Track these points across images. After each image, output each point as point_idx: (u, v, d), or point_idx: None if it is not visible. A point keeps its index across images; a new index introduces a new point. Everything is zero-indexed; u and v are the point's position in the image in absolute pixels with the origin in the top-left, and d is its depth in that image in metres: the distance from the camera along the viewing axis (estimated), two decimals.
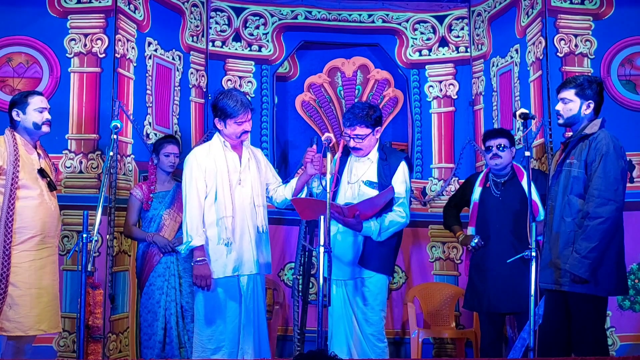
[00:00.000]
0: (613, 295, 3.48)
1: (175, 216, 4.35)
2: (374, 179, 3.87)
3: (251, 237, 3.77)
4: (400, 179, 3.90)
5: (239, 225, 3.74)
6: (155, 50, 4.85)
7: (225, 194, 3.73)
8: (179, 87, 5.06)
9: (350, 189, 3.90)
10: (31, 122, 3.66)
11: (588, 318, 3.42)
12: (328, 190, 3.44)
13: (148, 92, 4.77)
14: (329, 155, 3.69)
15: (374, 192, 3.84)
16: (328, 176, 3.53)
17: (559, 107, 3.59)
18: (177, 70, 5.05)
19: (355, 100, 5.61)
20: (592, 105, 3.52)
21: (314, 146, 3.85)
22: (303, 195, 3.96)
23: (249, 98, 5.31)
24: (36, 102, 3.68)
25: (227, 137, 3.81)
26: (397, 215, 3.84)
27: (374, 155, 3.96)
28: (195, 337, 3.80)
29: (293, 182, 3.98)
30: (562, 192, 3.50)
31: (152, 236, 4.30)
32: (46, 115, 3.70)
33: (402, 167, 3.92)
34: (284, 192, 3.98)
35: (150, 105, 4.78)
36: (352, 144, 3.90)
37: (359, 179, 3.90)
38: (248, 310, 3.75)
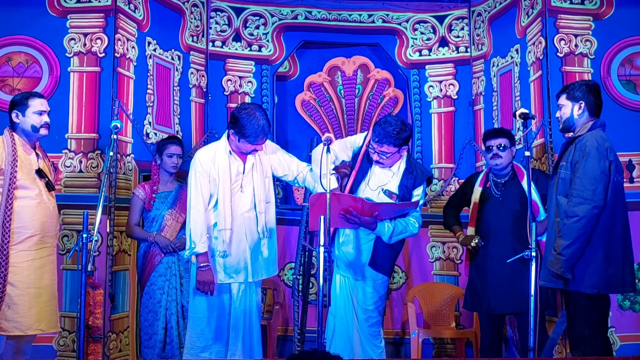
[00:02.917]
0: (605, 292, 3.46)
1: (177, 216, 4.35)
2: (395, 189, 3.85)
3: (247, 246, 3.74)
4: (420, 194, 3.90)
5: (236, 234, 3.72)
6: (155, 49, 4.85)
7: (226, 204, 3.70)
8: (178, 87, 5.05)
9: (369, 194, 3.87)
10: (29, 125, 3.67)
11: (576, 315, 3.44)
12: (328, 190, 3.44)
13: (149, 91, 4.77)
14: (328, 155, 3.68)
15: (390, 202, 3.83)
16: (328, 176, 3.53)
17: (557, 113, 3.67)
18: (177, 70, 5.05)
19: (355, 99, 5.62)
20: (582, 106, 3.54)
21: (345, 171, 3.74)
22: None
23: (250, 98, 5.33)
24: (36, 105, 3.68)
25: (235, 146, 3.76)
26: (411, 224, 3.85)
27: (399, 167, 3.89)
28: (187, 334, 3.80)
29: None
30: (554, 193, 3.55)
31: (154, 236, 4.30)
32: (45, 119, 3.69)
33: (424, 185, 3.94)
34: (314, 184, 3.87)
35: (151, 104, 4.78)
36: (375, 157, 3.85)
37: (379, 186, 3.88)
38: (237, 313, 3.74)
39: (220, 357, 3.68)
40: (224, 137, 3.81)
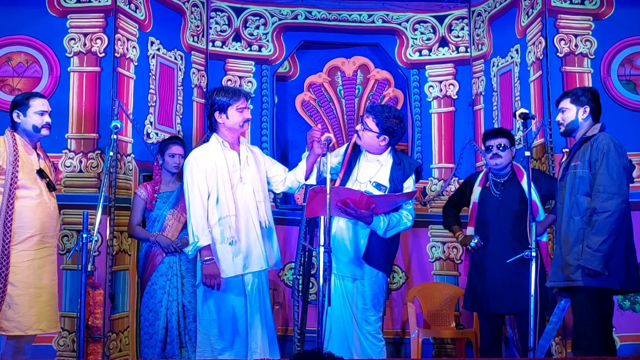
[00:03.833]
0: (624, 289, 3.50)
1: (178, 216, 4.36)
2: (385, 182, 3.87)
3: (257, 234, 3.76)
4: (411, 185, 3.93)
5: (244, 223, 3.74)
6: (158, 49, 4.85)
7: (227, 193, 3.73)
8: (181, 87, 5.06)
9: (358, 188, 3.89)
10: (31, 125, 3.68)
11: (586, 313, 3.45)
12: (328, 190, 3.44)
13: (151, 91, 4.77)
14: (328, 155, 3.69)
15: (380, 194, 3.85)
16: (328, 176, 3.53)
17: (559, 117, 3.71)
18: (180, 69, 5.05)
19: (355, 100, 5.62)
20: (587, 110, 3.62)
21: (319, 125, 3.85)
22: (313, 176, 3.94)
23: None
24: (37, 105, 3.69)
25: (228, 130, 3.81)
26: (405, 217, 3.88)
27: (385, 158, 3.94)
28: (200, 337, 3.79)
29: (302, 165, 3.96)
30: (569, 193, 3.57)
31: (156, 236, 4.31)
32: (46, 119, 3.70)
33: (414, 175, 3.97)
34: (294, 177, 3.97)
35: (153, 104, 4.78)
36: (357, 126, 3.96)
37: (368, 179, 3.90)
38: (254, 310, 3.75)
39: (241, 357, 3.68)
40: (213, 136, 3.88)
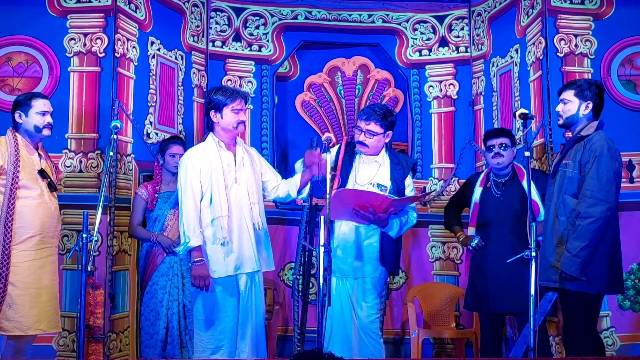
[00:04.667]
0: (605, 294, 3.50)
1: (179, 216, 4.36)
2: (386, 182, 3.90)
3: (250, 235, 3.76)
4: (411, 183, 3.98)
5: (237, 224, 3.73)
6: (159, 49, 4.85)
7: (221, 193, 3.73)
8: (182, 87, 5.06)
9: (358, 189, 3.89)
10: (32, 125, 3.68)
11: (575, 315, 3.45)
12: (328, 191, 3.44)
13: (151, 91, 4.77)
14: (328, 155, 3.69)
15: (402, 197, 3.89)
16: (328, 176, 3.53)
17: (559, 107, 3.66)
18: (180, 69, 5.06)
19: (356, 100, 5.62)
20: (590, 106, 3.57)
21: (318, 150, 3.83)
22: (306, 192, 3.95)
23: (250, 99, 5.33)
24: (39, 106, 3.70)
25: (223, 130, 3.81)
26: (411, 216, 3.94)
27: (383, 158, 3.97)
28: (195, 338, 3.80)
29: (297, 179, 3.96)
30: (557, 192, 3.56)
31: (157, 236, 4.32)
32: (48, 119, 3.71)
33: (411, 174, 4.04)
34: (287, 188, 3.98)
35: (153, 104, 4.78)
36: (361, 137, 3.93)
37: (368, 181, 3.91)
38: (245, 310, 3.75)
39: (232, 357, 3.69)
40: (209, 135, 3.87)
